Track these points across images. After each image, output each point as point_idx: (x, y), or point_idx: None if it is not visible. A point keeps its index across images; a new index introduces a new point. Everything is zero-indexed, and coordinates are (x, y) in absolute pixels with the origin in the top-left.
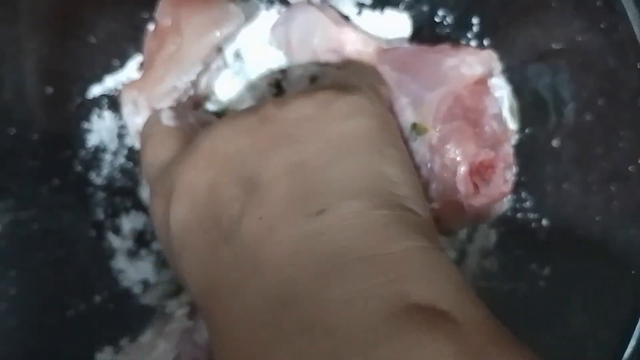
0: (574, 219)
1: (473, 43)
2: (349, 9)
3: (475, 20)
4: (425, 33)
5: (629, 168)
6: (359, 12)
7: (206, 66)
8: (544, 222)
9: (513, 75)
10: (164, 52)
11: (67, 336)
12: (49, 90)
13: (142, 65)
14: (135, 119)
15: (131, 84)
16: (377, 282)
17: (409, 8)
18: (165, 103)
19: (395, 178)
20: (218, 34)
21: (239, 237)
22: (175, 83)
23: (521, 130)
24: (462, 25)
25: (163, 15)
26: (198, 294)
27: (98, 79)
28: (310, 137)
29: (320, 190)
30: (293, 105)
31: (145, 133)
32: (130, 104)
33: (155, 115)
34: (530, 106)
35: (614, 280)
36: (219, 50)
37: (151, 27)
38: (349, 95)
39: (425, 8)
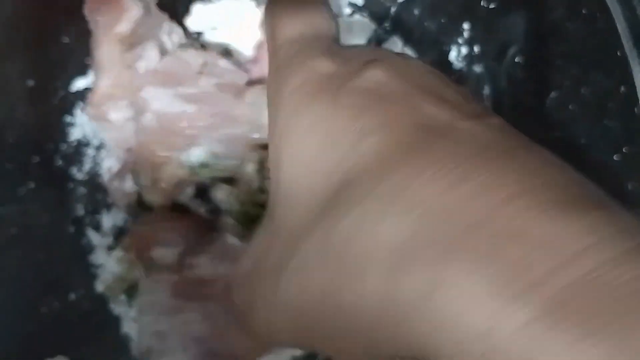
0: None
1: (464, 49)
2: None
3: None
4: (415, 37)
5: (614, 157)
6: (351, 14)
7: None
8: None
9: (495, 65)
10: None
11: (43, 335)
12: (30, 83)
13: None
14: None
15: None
16: None
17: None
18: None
19: None
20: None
21: None
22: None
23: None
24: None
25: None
26: None
27: (82, 72)
28: None
29: None
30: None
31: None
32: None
33: None
34: (512, 96)
35: None
36: None
37: None
38: None
39: (416, 12)
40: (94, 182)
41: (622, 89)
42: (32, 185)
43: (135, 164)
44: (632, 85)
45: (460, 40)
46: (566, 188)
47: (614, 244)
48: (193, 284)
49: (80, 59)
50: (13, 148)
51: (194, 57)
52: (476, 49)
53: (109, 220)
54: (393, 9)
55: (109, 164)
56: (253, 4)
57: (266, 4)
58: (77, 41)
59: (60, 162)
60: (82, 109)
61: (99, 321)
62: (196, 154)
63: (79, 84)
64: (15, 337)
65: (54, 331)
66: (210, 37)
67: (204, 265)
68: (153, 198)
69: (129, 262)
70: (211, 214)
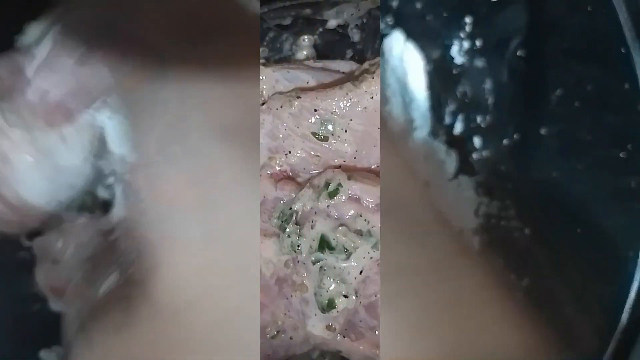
0: (559, 210)
1: (466, 44)
2: None
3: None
4: (417, 31)
5: (620, 154)
6: None
7: None
8: (527, 230)
9: (497, 59)
10: None
11: (39, 326)
12: None
13: None
14: None
15: None
16: None
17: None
18: None
19: None
20: None
21: None
22: None
23: (509, 120)
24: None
25: None
26: None
27: None
28: None
29: None
30: None
31: None
32: None
33: None
34: (514, 91)
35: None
36: None
37: None
38: None
39: (418, 6)
40: None
41: (626, 85)
42: None
43: None
44: (636, 82)
45: (462, 34)
46: None
47: None
48: None
49: None
50: None
51: None
52: (478, 42)
53: None
54: (395, 3)
55: None
56: None
57: None
58: None
59: None
60: None
61: None
62: None
63: None
64: (11, 328)
65: (50, 322)
66: None
67: None
68: None
69: None
70: None
